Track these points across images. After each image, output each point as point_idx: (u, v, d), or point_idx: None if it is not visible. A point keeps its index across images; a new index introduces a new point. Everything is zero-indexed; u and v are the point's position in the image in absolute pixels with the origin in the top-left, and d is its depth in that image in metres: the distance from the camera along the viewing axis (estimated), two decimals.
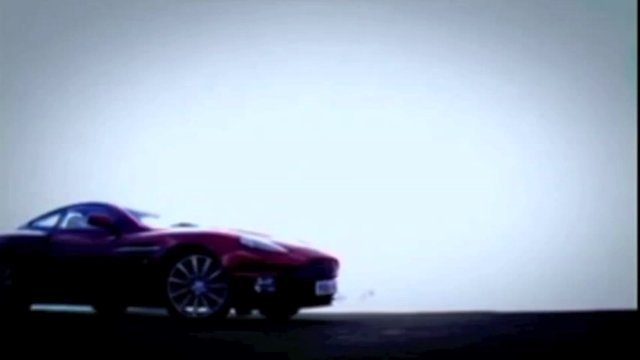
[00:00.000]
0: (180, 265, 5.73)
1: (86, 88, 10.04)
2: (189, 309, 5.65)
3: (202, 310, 5.64)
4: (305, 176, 9.52)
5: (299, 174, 9.53)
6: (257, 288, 5.62)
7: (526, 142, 10.46)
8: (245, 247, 5.76)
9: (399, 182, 9.73)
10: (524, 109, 10.44)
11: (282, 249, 5.91)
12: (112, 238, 6.33)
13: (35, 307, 7.06)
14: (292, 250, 5.97)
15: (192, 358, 3.32)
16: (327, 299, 6.15)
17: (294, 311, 6.74)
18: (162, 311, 6.00)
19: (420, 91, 10.38)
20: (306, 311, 6.88)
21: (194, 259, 5.70)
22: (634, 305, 8.53)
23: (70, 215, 7.12)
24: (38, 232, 7.07)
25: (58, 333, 4.67)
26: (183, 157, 9.92)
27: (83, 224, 6.92)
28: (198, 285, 5.67)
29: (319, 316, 7.01)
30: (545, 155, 10.37)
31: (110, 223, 6.42)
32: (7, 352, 3.48)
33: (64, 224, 7.06)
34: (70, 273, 6.50)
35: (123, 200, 6.84)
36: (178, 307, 5.65)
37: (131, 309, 7.66)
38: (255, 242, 5.81)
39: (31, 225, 7.35)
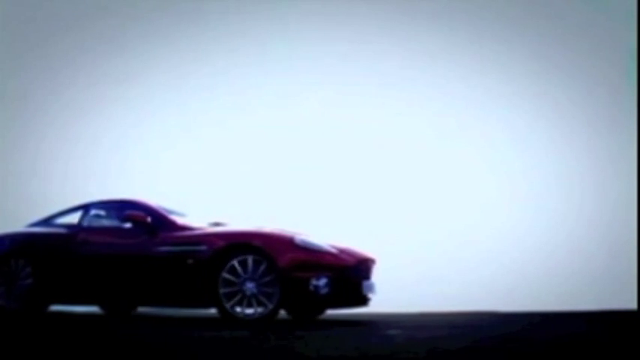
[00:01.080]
0: (233, 265, 5.67)
1: (86, 88, 10.04)
2: (239, 309, 5.62)
3: (252, 310, 5.61)
4: (304, 176, 9.52)
5: (298, 174, 9.53)
6: (311, 288, 5.61)
7: (526, 142, 10.46)
8: (299, 247, 5.74)
9: (399, 182, 9.73)
10: (524, 109, 10.44)
11: (333, 249, 5.89)
12: (147, 236, 6.15)
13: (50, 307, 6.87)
14: (341, 251, 5.95)
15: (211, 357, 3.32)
16: (366, 299, 6.15)
17: (322, 312, 6.67)
18: (180, 312, 6.05)
19: (420, 90, 10.38)
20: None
21: (250, 259, 5.65)
22: (634, 305, 8.53)
23: (94, 212, 6.86)
24: (61, 230, 6.78)
25: (77, 333, 4.67)
26: (183, 157, 9.92)
27: (108, 222, 6.73)
28: (249, 285, 5.64)
29: (329, 316, 7.01)
30: (545, 155, 10.37)
31: (146, 222, 6.22)
32: (22, 352, 3.48)
33: (88, 222, 6.77)
34: (102, 272, 6.28)
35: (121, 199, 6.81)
36: (229, 308, 5.61)
37: (141, 310, 7.50)
38: (307, 242, 5.79)
39: (48, 222, 7.04)
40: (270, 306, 5.57)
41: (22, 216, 7.76)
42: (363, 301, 6.08)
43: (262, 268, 5.62)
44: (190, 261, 5.86)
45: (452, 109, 10.42)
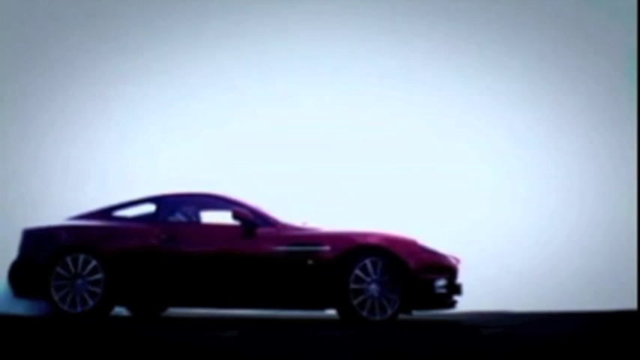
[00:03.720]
0: (364, 265, 5.66)
1: (86, 88, 10.04)
2: (365, 311, 5.62)
3: (377, 311, 5.63)
4: (304, 176, 9.52)
5: (298, 174, 9.53)
6: (435, 290, 5.72)
7: (526, 141, 10.46)
8: (423, 249, 5.86)
9: (399, 182, 9.73)
10: (524, 109, 10.44)
11: (444, 252, 6.02)
12: (247, 234, 5.91)
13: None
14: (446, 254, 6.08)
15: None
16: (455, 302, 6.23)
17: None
18: (214, 312, 5.95)
19: (419, 90, 10.37)
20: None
21: (379, 262, 5.67)
22: (634, 305, 8.53)
23: (170, 206, 6.40)
24: (135, 224, 6.27)
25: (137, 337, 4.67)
26: (184, 157, 9.92)
27: (183, 216, 6.40)
28: (374, 287, 5.65)
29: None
30: (545, 155, 10.36)
31: (250, 219, 5.98)
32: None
33: (166, 216, 6.33)
34: (202, 272, 5.89)
35: (124, 199, 6.78)
36: (358, 309, 5.59)
37: (170, 311, 7.18)
38: (425, 245, 5.91)
39: (109, 215, 6.43)
40: (395, 306, 5.63)
41: (22, 216, 7.73)
42: (453, 303, 6.19)
43: (388, 269, 5.66)
44: (310, 261, 5.75)
45: (450, 109, 10.42)
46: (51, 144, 9.73)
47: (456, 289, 5.97)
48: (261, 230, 5.97)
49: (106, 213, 6.49)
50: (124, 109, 10.11)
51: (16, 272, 6.23)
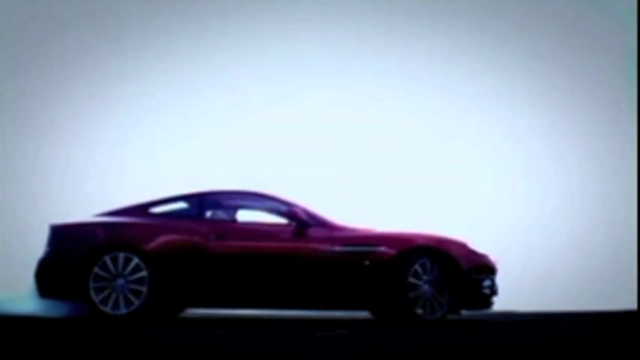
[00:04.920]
0: (422, 264, 5.72)
1: (86, 88, 10.04)
2: (420, 311, 5.67)
3: (429, 311, 5.69)
4: (303, 176, 9.52)
5: (297, 174, 9.53)
6: (483, 290, 5.86)
7: (526, 141, 10.46)
8: (471, 250, 5.97)
9: (399, 182, 9.73)
10: (524, 109, 10.44)
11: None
12: (298, 235, 5.82)
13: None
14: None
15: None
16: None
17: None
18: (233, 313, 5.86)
19: (419, 90, 10.38)
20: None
21: (433, 262, 5.73)
22: (634, 305, 8.54)
23: (213, 203, 6.21)
24: (178, 222, 6.01)
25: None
26: (184, 157, 9.92)
27: (225, 214, 6.21)
28: (427, 287, 5.70)
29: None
30: (545, 155, 10.37)
31: (304, 220, 5.89)
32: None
33: (210, 214, 6.14)
34: (256, 272, 5.75)
35: (123, 199, 6.79)
36: (416, 310, 5.65)
37: (191, 312, 7.00)
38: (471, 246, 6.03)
39: (145, 212, 6.13)
40: (446, 306, 5.71)
41: (22, 216, 7.73)
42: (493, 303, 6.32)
43: (441, 270, 5.72)
44: (367, 262, 5.74)
45: (450, 109, 10.42)
46: (51, 144, 9.72)
47: (495, 290, 6.09)
48: (312, 230, 5.90)
49: (141, 209, 6.17)
50: (124, 109, 10.11)
51: (44, 272, 5.86)
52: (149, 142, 10.04)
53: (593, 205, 9.91)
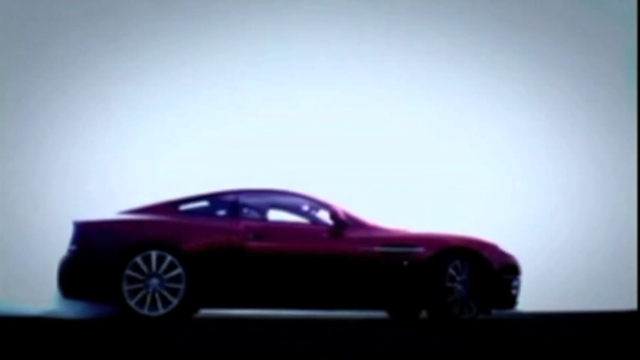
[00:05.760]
0: (453, 267, 5.81)
1: (86, 88, 10.03)
2: (456, 310, 5.78)
3: (466, 310, 5.81)
4: (303, 176, 9.52)
5: (297, 174, 9.53)
6: (512, 290, 6.01)
7: (525, 141, 10.46)
8: (502, 251, 6.11)
9: (399, 182, 9.73)
10: (524, 109, 10.43)
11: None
12: (335, 235, 5.83)
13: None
14: None
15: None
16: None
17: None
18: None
19: (419, 90, 10.37)
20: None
21: (467, 263, 5.83)
22: (634, 305, 8.53)
23: (247, 202, 6.12)
24: (213, 220, 5.92)
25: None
26: (184, 157, 9.91)
27: (257, 213, 6.15)
28: (460, 287, 5.81)
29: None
30: (544, 155, 10.36)
31: (344, 220, 5.88)
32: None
33: (245, 213, 6.06)
34: (295, 273, 5.71)
35: (123, 199, 6.77)
36: (454, 310, 5.76)
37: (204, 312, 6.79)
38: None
39: (175, 209, 5.99)
40: (478, 306, 5.82)
41: (22, 216, 7.72)
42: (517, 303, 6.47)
43: (475, 270, 5.83)
44: (405, 262, 5.79)
45: (450, 109, 10.41)
46: (51, 144, 9.72)
47: (520, 290, 6.25)
48: (350, 231, 5.91)
49: (172, 207, 6.03)
50: (124, 109, 10.11)
51: (70, 272, 5.66)
52: (149, 142, 10.03)
53: (593, 205, 9.91)
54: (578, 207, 9.91)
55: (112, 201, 6.66)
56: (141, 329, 4.93)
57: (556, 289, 8.90)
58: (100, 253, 5.59)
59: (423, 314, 6.84)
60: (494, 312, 6.51)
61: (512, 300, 6.06)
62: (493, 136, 10.38)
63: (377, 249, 5.82)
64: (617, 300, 8.50)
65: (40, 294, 6.54)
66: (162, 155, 9.91)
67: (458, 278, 5.81)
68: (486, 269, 5.85)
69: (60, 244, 7.25)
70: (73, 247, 5.71)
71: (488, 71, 10.36)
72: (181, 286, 5.52)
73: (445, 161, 10.13)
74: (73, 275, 5.65)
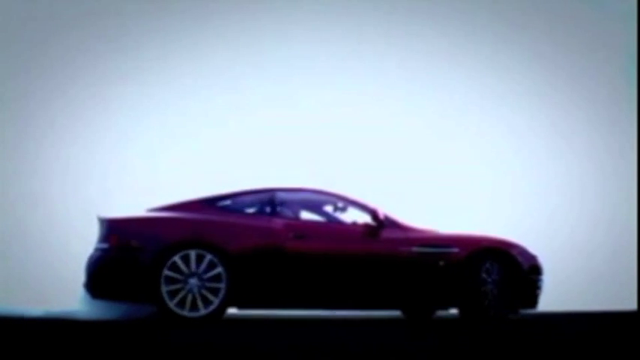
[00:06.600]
0: (486, 268, 5.93)
1: (86, 88, 10.03)
2: (488, 310, 5.91)
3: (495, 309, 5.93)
4: (303, 176, 9.51)
5: (297, 175, 9.53)
6: (537, 290, 6.17)
7: (526, 141, 10.46)
8: (528, 253, 6.25)
9: (398, 182, 9.73)
10: (524, 109, 10.43)
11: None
12: (372, 235, 5.86)
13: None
14: None
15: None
16: None
17: None
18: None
19: (419, 90, 10.37)
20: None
21: (499, 263, 5.96)
22: (634, 305, 8.54)
23: (283, 201, 6.02)
24: (248, 219, 5.81)
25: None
26: (184, 157, 9.91)
27: (292, 212, 6.09)
28: (490, 287, 5.94)
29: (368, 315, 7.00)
30: (544, 155, 10.37)
31: (382, 221, 5.91)
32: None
33: (280, 211, 5.96)
34: (337, 274, 5.69)
35: (124, 199, 6.77)
36: (487, 309, 5.90)
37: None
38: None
39: (212, 207, 5.82)
40: (507, 305, 5.95)
41: (22, 216, 7.71)
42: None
43: (506, 270, 5.96)
44: (442, 263, 5.88)
45: (450, 109, 10.41)
46: (51, 144, 9.72)
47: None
48: (387, 231, 5.96)
49: (207, 204, 5.85)
50: (124, 109, 10.11)
51: (103, 272, 5.41)
52: (149, 142, 10.03)
53: (593, 205, 9.92)
54: (578, 207, 9.91)
55: (112, 201, 6.66)
56: (143, 330, 4.93)
57: (556, 289, 8.89)
58: (137, 253, 5.38)
59: (437, 314, 6.95)
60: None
61: (536, 300, 6.19)
62: (493, 136, 10.38)
63: (415, 249, 5.91)
64: (617, 300, 8.51)
65: (40, 294, 6.54)
66: (162, 155, 9.91)
67: (489, 278, 5.93)
68: (516, 269, 6.00)
69: (60, 244, 7.25)
70: (105, 246, 5.46)
71: (488, 71, 10.37)
72: (222, 285, 5.40)
73: (445, 161, 10.14)
74: (107, 275, 5.42)
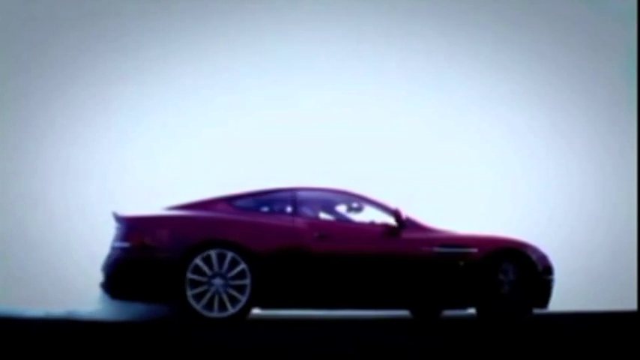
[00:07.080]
0: (502, 268, 6.02)
1: (86, 88, 10.03)
2: (505, 310, 6.01)
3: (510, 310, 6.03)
4: (302, 176, 9.51)
5: (297, 175, 9.53)
6: (550, 290, 6.28)
7: (526, 141, 10.46)
8: (542, 253, 6.33)
9: (398, 182, 9.73)
10: (524, 109, 10.43)
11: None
12: (392, 235, 5.90)
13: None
14: None
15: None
16: None
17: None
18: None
19: (419, 90, 10.37)
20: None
21: (515, 264, 6.04)
22: (634, 305, 8.53)
23: (303, 200, 5.99)
24: (271, 218, 5.74)
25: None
26: (184, 157, 9.91)
27: (313, 212, 6.06)
28: (506, 287, 6.04)
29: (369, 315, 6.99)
30: (544, 155, 10.36)
31: (403, 221, 5.95)
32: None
33: (303, 211, 5.93)
34: (360, 274, 5.73)
35: (124, 199, 6.77)
36: (505, 309, 6.00)
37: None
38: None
39: (232, 206, 5.73)
40: (522, 305, 6.06)
41: (22, 216, 7.71)
42: None
43: (522, 270, 6.05)
44: (462, 263, 5.95)
45: (450, 109, 10.41)
46: (51, 144, 9.72)
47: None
48: (408, 232, 6.01)
49: (227, 203, 5.76)
50: (124, 109, 10.11)
51: (125, 272, 5.25)
52: (149, 142, 10.03)
53: (593, 205, 9.92)
54: (578, 207, 9.91)
55: (112, 201, 6.66)
56: (145, 330, 4.93)
57: (556, 289, 8.89)
58: (160, 252, 5.27)
59: (444, 313, 6.98)
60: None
61: (547, 300, 6.26)
62: (493, 136, 10.38)
63: (436, 249, 5.98)
64: (617, 300, 8.51)
65: (40, 294, 6.54)
66: (162, 155, 9.91)
67: (506, 279, 6.02)
68: (531, 270, 6.08)
69: (60, 244, 7.25)
70: (125, 245, 5.30)
71: (488, 71, 10.37)
72: (247, 281, 5.34)
73: (445, 161, 10.13)
74: (129, 275, 5.27)
